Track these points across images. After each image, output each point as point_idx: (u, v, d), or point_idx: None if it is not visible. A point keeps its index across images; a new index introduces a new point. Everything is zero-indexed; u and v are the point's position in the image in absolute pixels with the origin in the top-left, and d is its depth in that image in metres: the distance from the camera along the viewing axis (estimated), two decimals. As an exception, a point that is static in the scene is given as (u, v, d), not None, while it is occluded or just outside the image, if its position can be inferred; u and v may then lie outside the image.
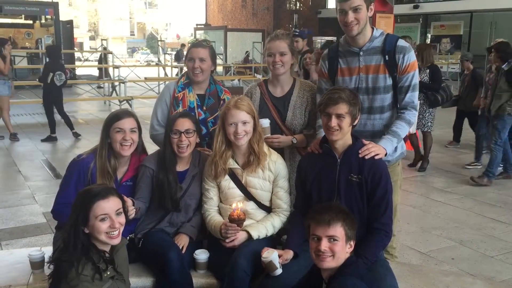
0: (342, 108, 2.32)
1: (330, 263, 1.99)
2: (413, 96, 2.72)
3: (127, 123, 2.64)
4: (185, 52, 3.65)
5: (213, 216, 2.70)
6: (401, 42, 2.72)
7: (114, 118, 2.66)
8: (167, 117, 3.05)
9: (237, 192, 2.67)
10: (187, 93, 3.06)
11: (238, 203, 2.54)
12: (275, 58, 2.86)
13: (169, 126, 2.70)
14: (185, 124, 2.66)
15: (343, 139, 2.40)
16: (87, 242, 2.02)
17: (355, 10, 2.58)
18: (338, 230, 1.98)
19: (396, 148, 2.70)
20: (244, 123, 2.57)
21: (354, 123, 2.42)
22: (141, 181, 2.71)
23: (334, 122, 2.33)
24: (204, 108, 3.08)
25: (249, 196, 2.67)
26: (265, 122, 2.83)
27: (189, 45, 3.14)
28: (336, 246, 1.98)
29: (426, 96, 6.41)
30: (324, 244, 1.97)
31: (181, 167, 2.76)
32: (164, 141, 2.74)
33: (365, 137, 2.57)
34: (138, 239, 2.67)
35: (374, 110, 2.75)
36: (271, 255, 2.30)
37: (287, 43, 2.89)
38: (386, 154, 2.51)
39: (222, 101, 3.10)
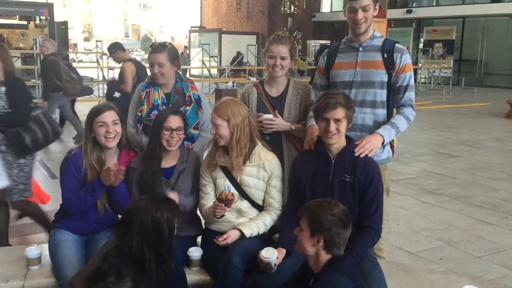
0: (340, 113, 2.41)
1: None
2: (411, 95, 2.85)
3: (108, 116, 2.69)
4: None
5: (209, 206, 2.76)
6: (399, 45, 2.87)
7: (95, 113, 2.71)
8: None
9: (231, 190, 2.74)
10: (152, 91, 3.14)
11: (228, 188, 2.66)
12: (276, 61, 2.94)
13: (160, 122, 2.75)
14: (176, 121, 2.75)
15: (339, 142, 2.49)
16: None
17: (364, 9, 2.71)
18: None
19: (383, 147, 2.77)
20: (217, 126, 2.68)
21: (349, 125, 2.51)
22: (132, 186, 2.77)
23: (332, 127, 2.41)
24: (170, 105, 3.18)
25: (243, 194, 2.75)
26: (267, 116, 2.94)
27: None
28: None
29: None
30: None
31: (168, 163, 2.82)
32: (153, 135, 2.79)
33: (354, 131, 2.67)
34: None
35: (366, 104, 2.83)
36: (272, 256, 2.36)
37: (288, 48, 2.96)
38: (383, 143, 2.62)
39: (187, 98, 3.18)
